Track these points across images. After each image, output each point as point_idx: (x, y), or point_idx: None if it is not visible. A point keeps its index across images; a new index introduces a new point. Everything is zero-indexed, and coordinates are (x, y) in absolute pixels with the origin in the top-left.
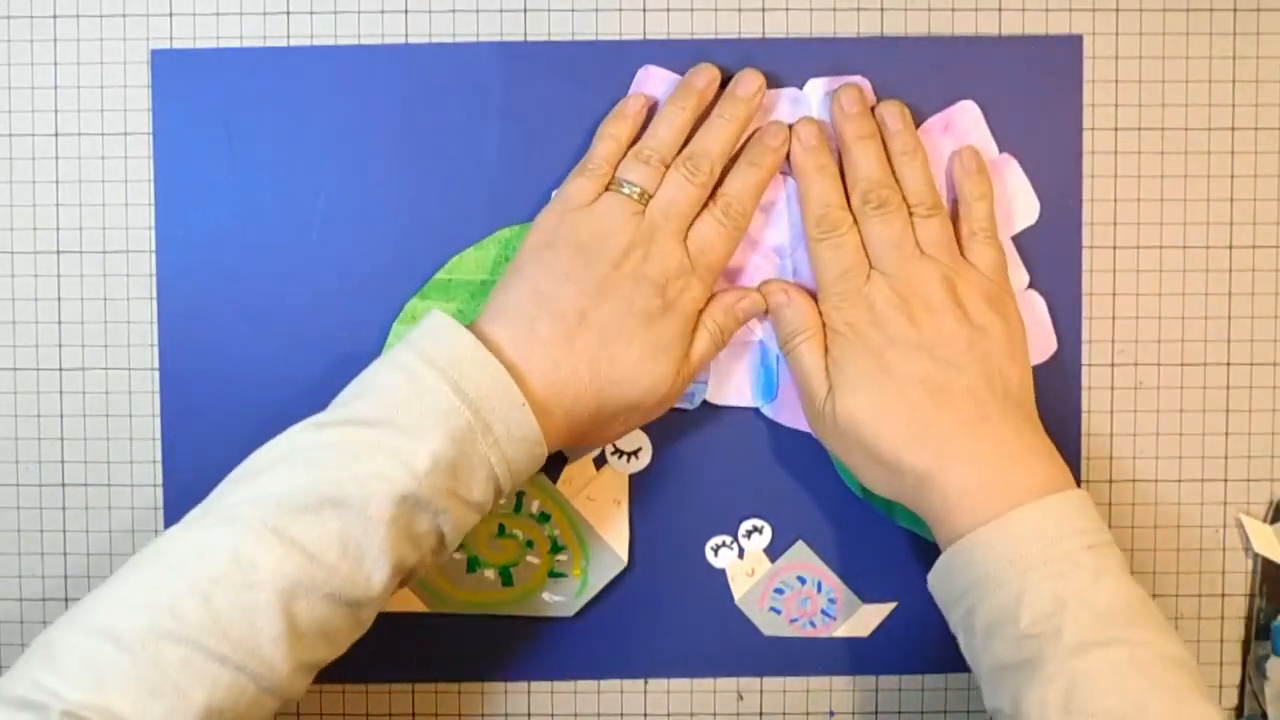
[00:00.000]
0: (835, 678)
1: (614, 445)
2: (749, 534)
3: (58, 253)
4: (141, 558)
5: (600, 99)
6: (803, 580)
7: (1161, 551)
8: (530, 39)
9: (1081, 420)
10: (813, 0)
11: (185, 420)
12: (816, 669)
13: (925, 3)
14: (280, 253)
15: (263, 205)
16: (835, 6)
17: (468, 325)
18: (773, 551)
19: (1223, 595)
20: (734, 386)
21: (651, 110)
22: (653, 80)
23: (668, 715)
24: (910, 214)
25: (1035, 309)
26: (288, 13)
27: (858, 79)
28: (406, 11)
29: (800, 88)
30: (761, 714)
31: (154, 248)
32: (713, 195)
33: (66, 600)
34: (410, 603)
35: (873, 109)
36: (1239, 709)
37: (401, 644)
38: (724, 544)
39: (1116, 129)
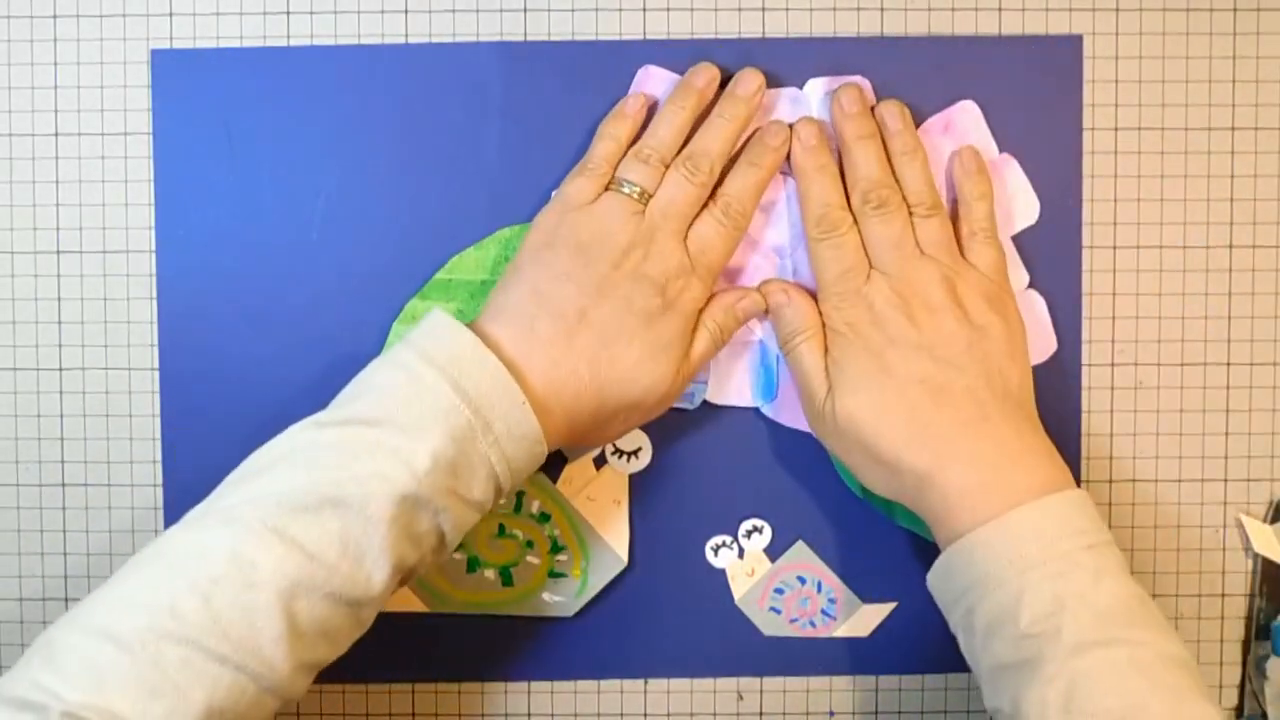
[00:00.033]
0: (835, 678)
1: (614, 445)
2: (749, 534)
3: (58, 253)
4: (141, 558)
5: (600, 99)
6: (803, 580)
7: (1161, 551)
8: (530, 39)
9: (1081, 420)
10: (813, 0)
11: (185, 420)
12: (816, 669)
13: (925, 3)
14: (280, 253)
15: (263, 205)
16: (835, 6)
17: (468, 325)
18: (773, 551)
19: (1223, 595)
20: (734, 386)
21: (652, 110)
22: (653, 80)
23: (668, 715)
24: (910, 214)
25: (1035, 309)
26: (288, 13)
27: (858, 79)
28: (406, 11)
29: (800, 88)
30: (761, 714)
31: (154, 248)
32: (713, 195)
33: (66, 600)
34: (410, 603)
35: (873, 109)
36: (1239, 709)
37: (401, 644)
38: (724, 544)
39: (1116, 129)
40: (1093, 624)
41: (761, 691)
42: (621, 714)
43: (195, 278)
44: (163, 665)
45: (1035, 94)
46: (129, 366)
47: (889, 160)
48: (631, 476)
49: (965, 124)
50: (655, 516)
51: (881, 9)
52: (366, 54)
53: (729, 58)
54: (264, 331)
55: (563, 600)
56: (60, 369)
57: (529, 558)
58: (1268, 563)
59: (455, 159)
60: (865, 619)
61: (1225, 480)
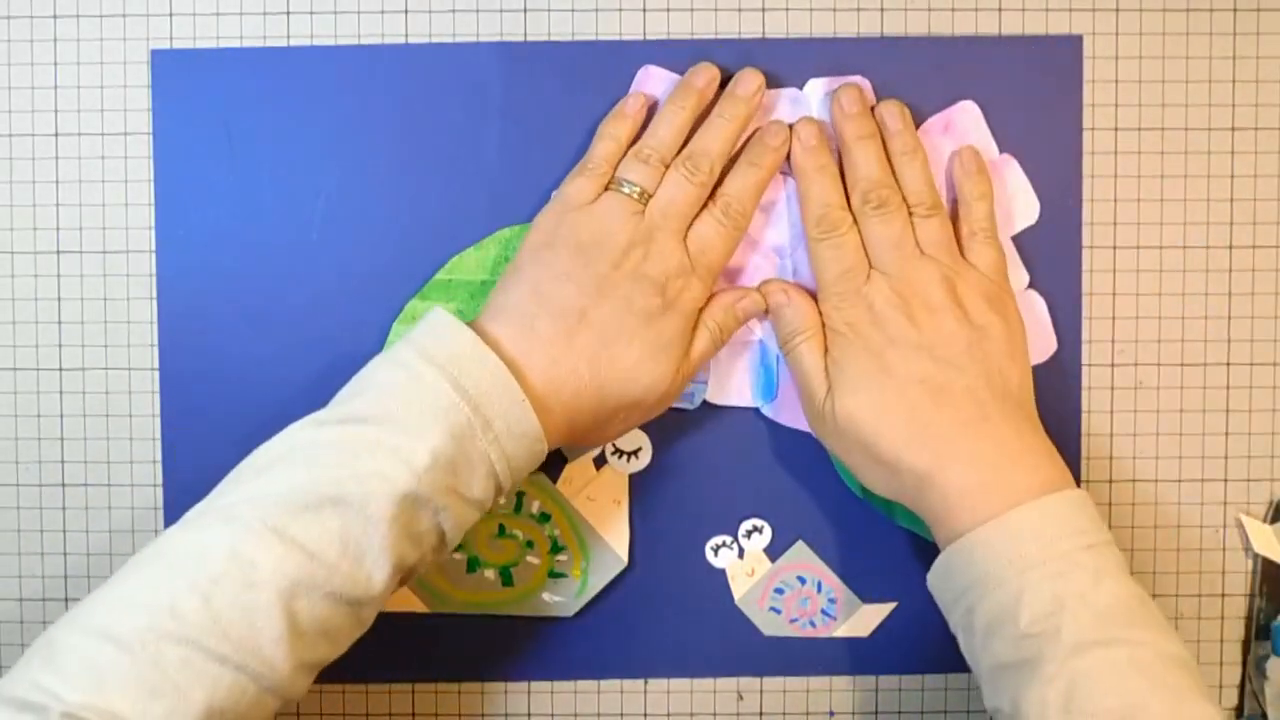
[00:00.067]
0: (835, 678)
1: (614, 445)
2: (749, 534)
3: (58, 253)
4: (142, 558)
5: (600, 99)
6: (803, 580)
7: (1161, 551)
8: (530, 39)
9: (1081, 420)
10: (813, 0)
11: (185, 420)
12: (816, 669)
13: (925, 3)
14: (280, 253)
15: (263, 205)
16: (835, 6)
17: (468, 324)
18: (773, 551)
19: (1223, 595)
20: (734, 386)
21: (652, 110)
22: (653, 80)
23: (668, 715)
24: (910, 214)
25: (1035, 309)
26: (288, 13)
27: (858, 79)
28: (406, 11)
29: (800, 88)
30: (761, 714)
31: (154, 248)
32: (713, 195)
33: (66, 600)
34: (410, 603)
35: (872, 109)
36: (1239, 709)
37: (401, 644)
38: (724, 544)
39: (1116, 129)
40: (1093, 624)
41: (761, 691)
42: (621, 714)
43: (195, 278)
44: (163, 665)
45: (1035, 94)
46: (129, 366)
47: (889, 160)
48: (631, 476)
49: (965, 124)
50: (655, 516)
51: (881, 9)
52: (366, 54)
53: (729, 58)
54: (264, 331)
55: (563, 600)
56: (60, 369)
57: (529, 558)
58: (1268, 563)
59: (455, 159)
60: (865, 619)
61: (1225, 480)
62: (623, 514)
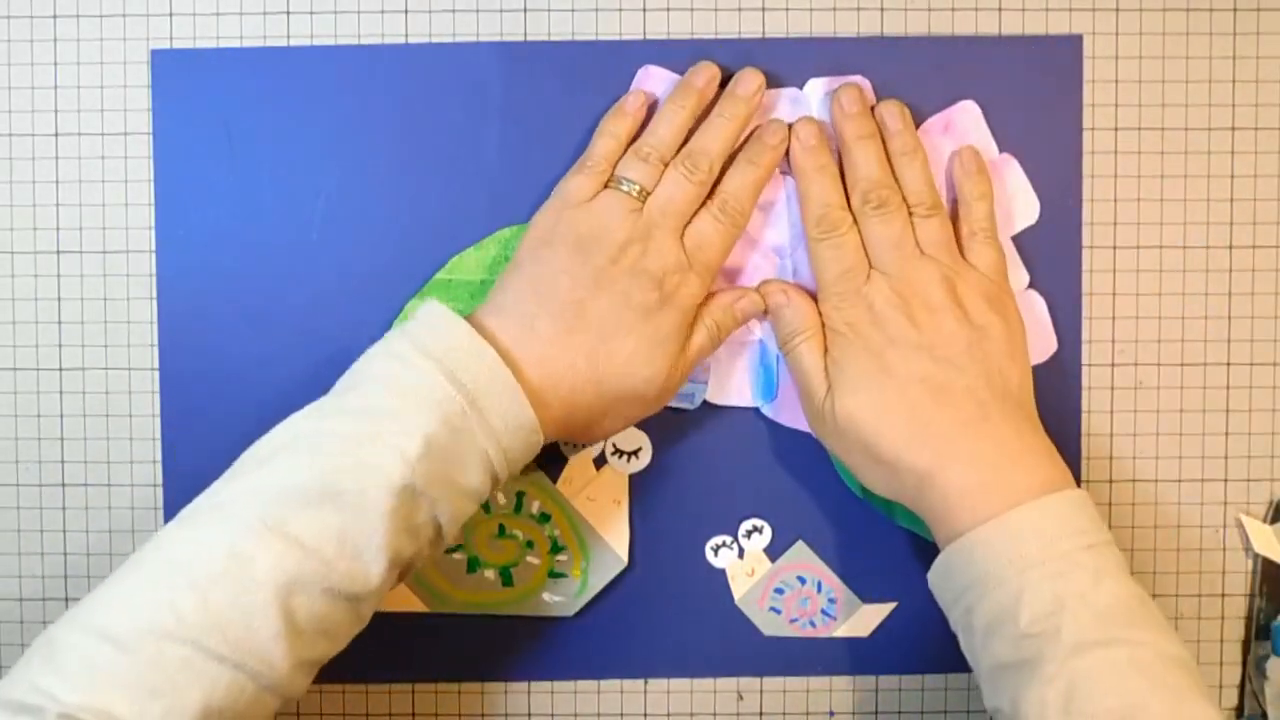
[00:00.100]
0: (835, 678)
1: (614, 445)
2: (749, 534)
3: (58, 253)
4: (141, 556)
5: (600, 99)
6: (803, 580)
7: (1161, 551)
8: (530, 39)
9: (1081, 420)
10: (813, 0)
11: (185, 420)
12: (816, 669)
13: (925, 3)
14: (280, 253)
15: (263, 205)
16: (835, 6)
17: (466, 318)
18: (773, 551)
19: (1223, 595)
20: (734, 386)
21: (652, 108)
22: (653, 80)
23: (668, 715)
24: (910, 214)
25: (1035, 309)
26: (288, 13)
27: (858, 79)
28: (406, 11)
29: (800, 88)
30: (761, 714)
31: (154, 248)
32: (711, 193)
33: (66, 600)
34: (410, 603)
35: (872, 109)
36: (1239, 709)
37: (401, 644)
38: (724, 544)
39: (1116, 129)
40: (1093, 624)
41: (761, 691)
42: (621, 714)
43: (195, 278)
44: (160, 665)
45: (1035, 94)
46: (129, 366)
47: (889, 160)
48: (631, 476)
49: (965, 124)
50: (655, 516)
51: (881, 9)
52: (366, 54)
53: (729, 58)
54: (264, 331)
55: (563, 600)
56: (60, 369)
57: (529, 558)
58: (1268, 563)
59: (455, 159)
60: (865, 619)
61: (1225, 480)
62: (623, 514)
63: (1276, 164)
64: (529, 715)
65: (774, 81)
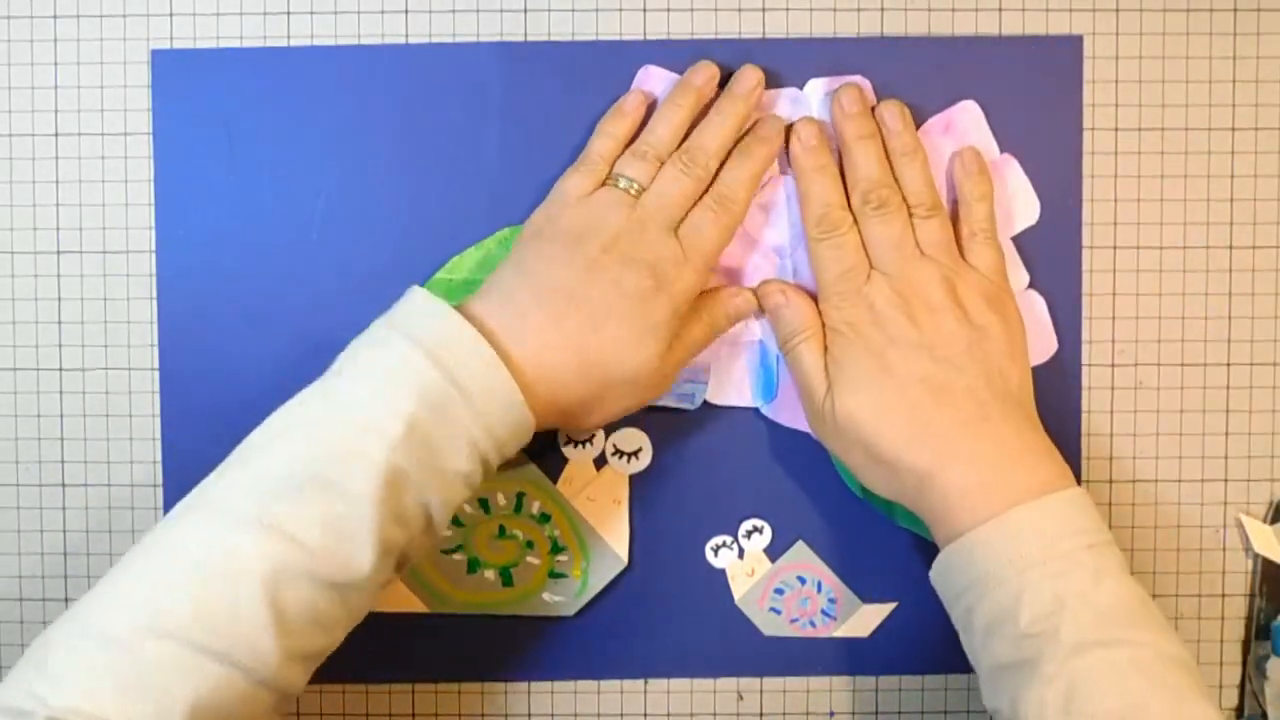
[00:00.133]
0: (835, 678)
1: (614, 445)
2: (749, 534)
3: (58, 253)
4: (132, 554)
5: (600, 99)
6: (803, 580)
7: (1161, 551)
8: (530, 39)
9: (1081, 420)
10: (813, 0)
11: (185, 420)
12: (816, 669)
13: (925, 3)
14: (280, 253)
15: (263, 205)
16: (835, 6)
17: (455, 307)
18: (773, 551)
19: (1223, 595)
20: (734, 386)
21: (651, 109)
22: (653, 80)
23: (668, 715)
24: (910, 214)
25: (1035, 309)
26: (288, 13)
27: (858, 79)
28: (406, 11)
29: (800, 88)
30: (761, 714)
31: (154, 248)
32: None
33: (66, 600)
34: (410, 603)
35: (873, 109)
36: (1239, 709)
37: (401, 644)
38: (724, 544)
39: (1116, 129)
40: (1093, 624)
41: (761, 691)
42: (621, 714)
43: (195, 278)
44: (147, 662)
45: (1035, 94)
46: (129, 366)
47: (889, 160)
48: (631, 476)
49: (966, 124)
50: (655, 516)
51: (881, 9)
52: (366, 54)
53: (729, 58)
54: (264, 331)
55: (563, 600)
56: (60, 369)
57: (529, 558)
58: (1268, 563)
59: (455, 159)
60: (865, 619)
61: (1225, 480)
62: (623, 514)
63: (1276, 164)
64: (529, 715)
65: (774, 81)
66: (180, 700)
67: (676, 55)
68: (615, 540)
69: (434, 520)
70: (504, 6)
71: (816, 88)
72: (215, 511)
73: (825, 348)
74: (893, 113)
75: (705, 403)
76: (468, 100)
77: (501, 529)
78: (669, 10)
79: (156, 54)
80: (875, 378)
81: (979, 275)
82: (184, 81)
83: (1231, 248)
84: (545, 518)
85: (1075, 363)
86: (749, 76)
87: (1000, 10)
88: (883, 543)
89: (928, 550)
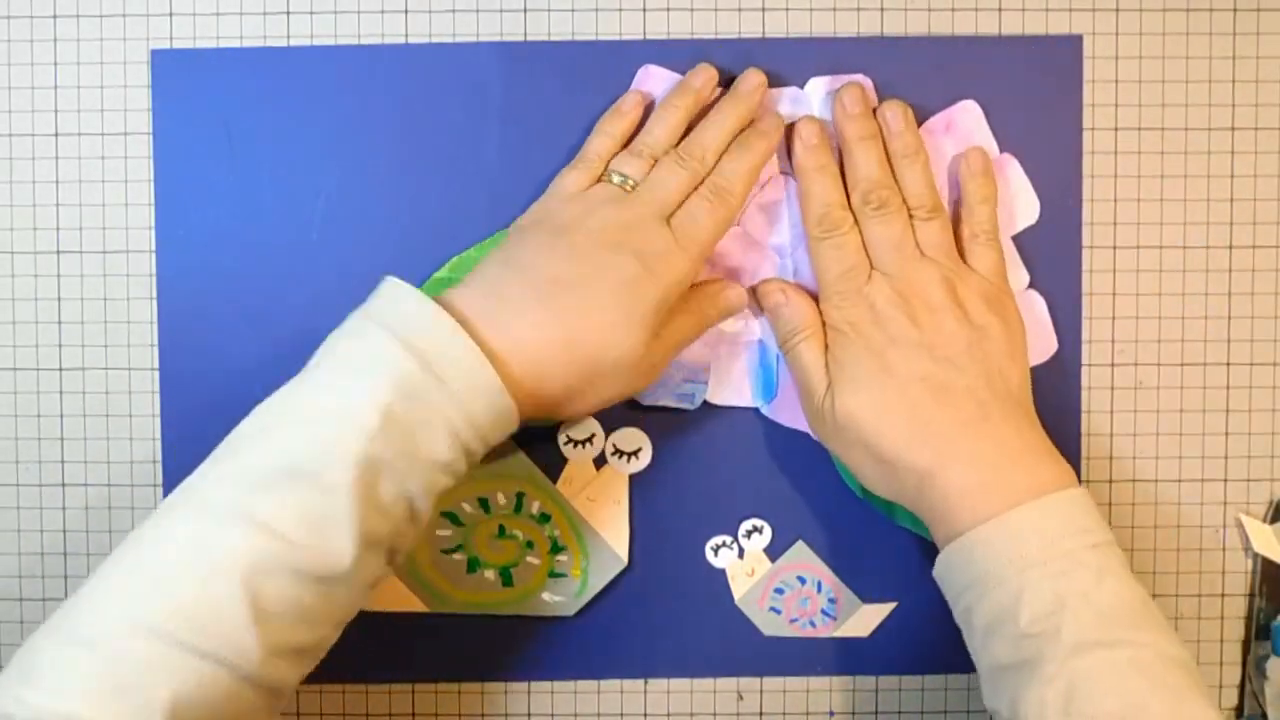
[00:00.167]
0: (835, 678)
1: (614, 445)
2: (749, 534)
3: (58, 253)
4: (117, 552)
5: (600, 99)
6: (803, 580)
7: (1161, 551)
8: (530, 39)
9: (1081, 420)
10: (813, 0)
11: (185, 420)
12: (816, 669)
13: (925, 3)
14: (280, 253)
15: (263, 205)
16: (835, 6)
17: (436, 296)
18: (773, 551)
19: (1223, 595)
20: (734, 386)
21: (649, 109)
22: (653, 80)
23: (668, 715)
24: (910, 216)
25: (1035, 309)
26: (288, 13)
27: (860, 78)
28: (406, 11)
29: (801, 87)
30: (761, 714)
31: (154, 248)
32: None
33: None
34: (410, 603)
35: (874, 110)
36: (1239, 709)
37: (401, 644)
38: (724, 544)
39: (1116, 129)
40: (1094, 623)
41: (761, 691)
42: (621, 714)
43: (195, 278)
44: (126, 661)
45: (1035, 94)
46: (129, 366)
47: (890, 161)
48: (631, 476)
49: (967, 124)
50: (655, 516)
51: (881, 9)
52: (366, 54)
53: (729, 58)
54: (264, 331)
55: (563, 600)
56: (60, 369)
57: (529, 558)
58: (1268, 563)
59: (455, 159)
60: (865, 619)
61: (1225, 480)
62: (623, 514)
63: (1276, 164)
64: (529, 715)
65: (774, 81)
66: (161, 698)
67: (676, 55)
68: (615, 540)
69: (417, 510)
70: (504, 6)
71: (817, 87)
72: (195, 506)
73: (825, 347)
74: (895, 113)
75: (705, 403)
76: (468, 100)
77: (501, 529)
78: (669, 10)
79: (156, 54)
80: (876, 377)
81: (979, 277)
82: (184, 81)
83: (1231, 248)
84: (545, 518)
85: (1075, 363)
86: (751, 78)
87: (1000, 10)
88: (883, 543)
89: (928, 550)
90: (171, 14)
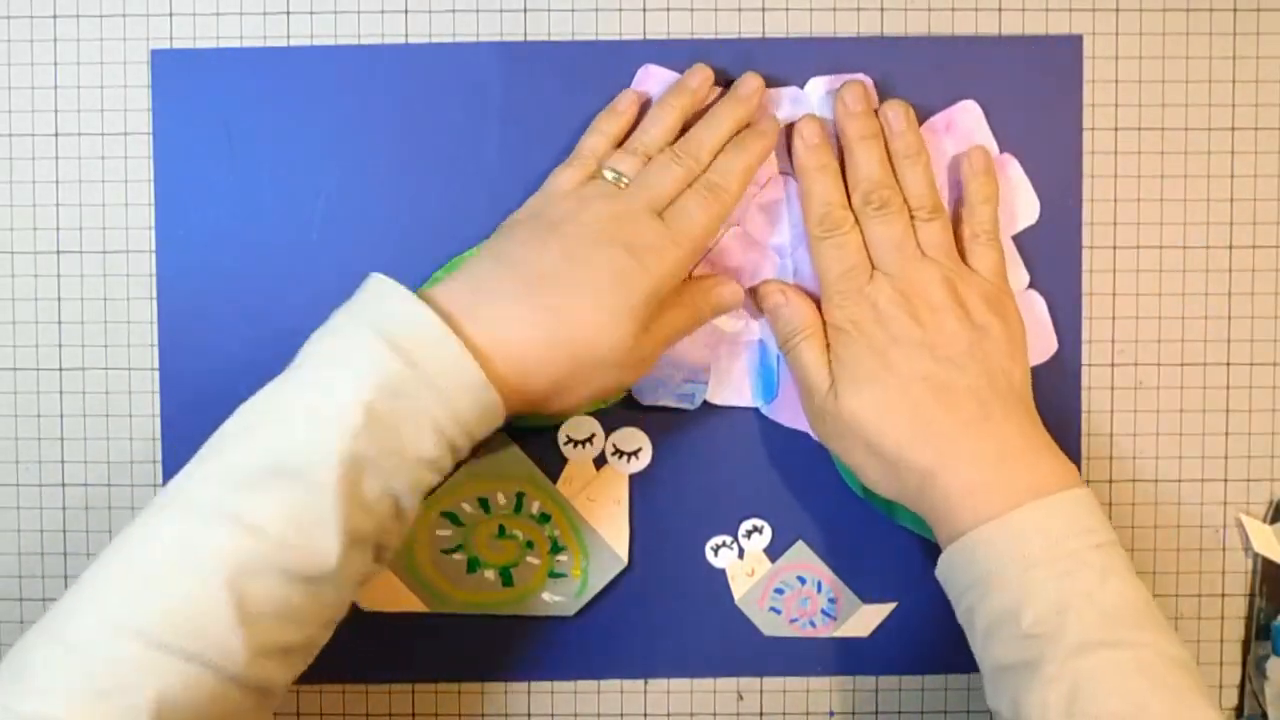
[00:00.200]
0: (835, 678)
1: (614, 445)
2: (749, 534)
3: (58, 253)
4: (103, 554)
5: (600, 99)
6: (803, 580)
7: (1161, 551)
8: (530, 39)
9: (1081, 420)
10: (813, 0)
11: (185, 420)
12: (816, 669)
13: (925, 3)
14: (280, 253)
15: (263, 205)
16: (835, 6)
17: (422, 291)
18: (773, 551)
19: (1223, 595)
20: (734, 386)
21: (645, 108)
22: (652, 80)
23: (668, 715)
24: (911, 216)
25: (1035, 309)
26: (288, 13)
27: (861, 76)
28: (406, 11)
29: (801, 87)
30: (761, 714)
31: (154, 248)
32: None
33: None
34: (410, 603)
35: (875, 110)
36: (1239, 709)
37: (401, 644)
38: (724, 544)
39: (1116, 129)
40: (1098, 624)
41: (761, 691)
42: (621, 714)
43: (195, 278)
44: (109, 663)
45: (1035, 94)
46: (129, 366)
47: (890, 160)
48: (631, 476)
49: (966, 124)
50: (655, 516)
51: (881, 9)
52: (366, 54)
53: (729, 58)
54: (264, 331)
55: (563, 600)
56: (60, 369)
57: (529, 558)
58: (1268, 563)
59: (455, 159)
60: (865, 619)
61: (1225, 480)
62: (623, 514)
63: (1276, 164)
64: (529, 715)
65: (774, 81)
66: (144, 700)
67: (676, 55)
68: (615, 540)
69: (403, 507)
70: (504, 6)
71: (817, 87)
72: (180, 506)
73: (827, 347)
74: (897, 113)
75: (705, 403)
76: (468, 100)
77: (501, 529)
78: (669, 10)
79: (156, 54)
80: (878, 376)
81: (980, 277)
82: (184, 81)
83: (1231, 248)
84: (545, 518)
85: (1075, 363)
86: (750, 82)
87: (1000, 10)
88: (883, 543)
89: (928, 550)
90: (171, 14)
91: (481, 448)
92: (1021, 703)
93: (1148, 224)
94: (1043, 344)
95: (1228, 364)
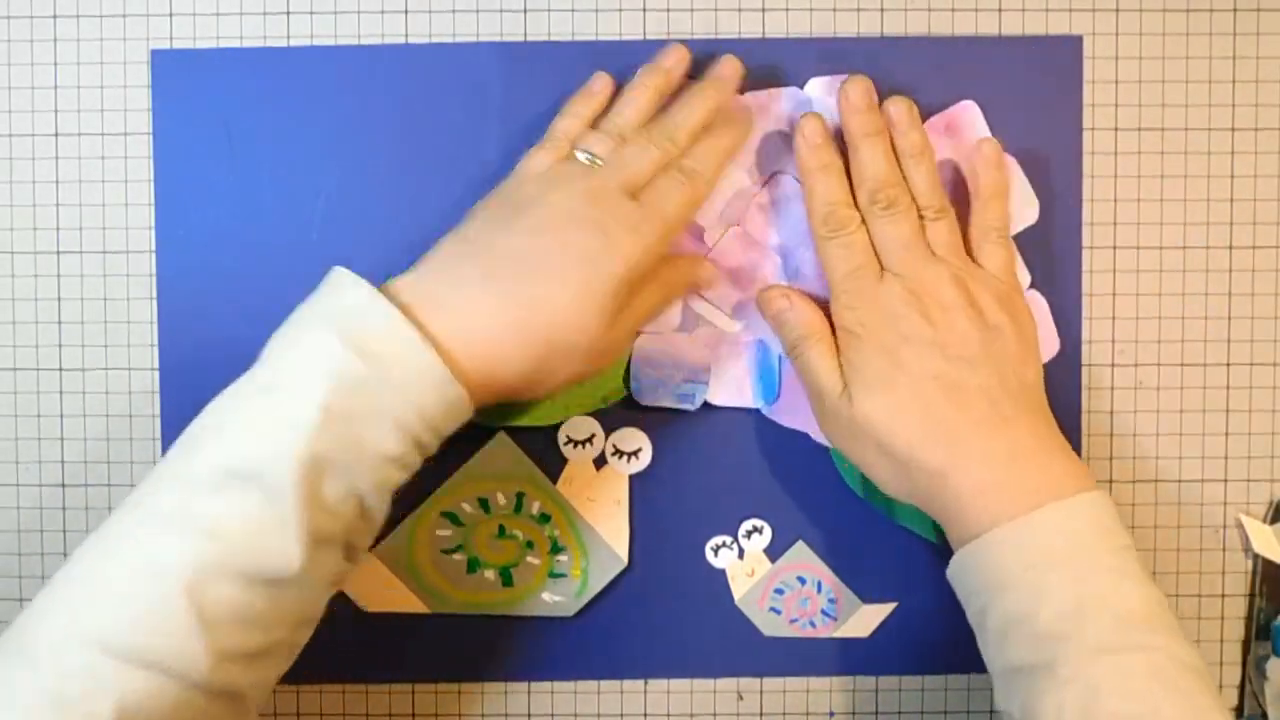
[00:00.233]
0: (835, 678)
1: (614, 445)
2: (749, 534)
3: (58, 253)
4: (67, 563)
5: None
6: (803, 580)
7: (1161, 551)
8: (530, 39)
9: (1082, 420)
10: (813, 0)
11: (185, 421)
12: (816, 669)
13: (925, 3)
14: (280, 253)
15: (263, 205)
16: (835, 6)
17: (386, 283)
18: (773, 551)
19: (1223, 595)
20: (734, 387)
21: (619, 91)
22: None
23: (668, 715)
24: (919, 215)
25: (1037, 309)
26: (288, 13)
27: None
28: (406, 11)
29: (800, 87)
30: (761, 714)
31: (154, 248)
32: None
33: None
34: (410, 603)
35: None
36: (1239, 709)
37: (401, 644)
38: (724, 544)
39: (1116, 129)
40: (1112, 627)
41: (761, 691)
42: (621, 714)
43: (195, 278)
44: (68, 675)
45: (1035, 94)
46: (129, 366)
47: (896, 158)
48: (631, 476)
49: (966, 124)
50: (655, 516)
51: (881, 9)
52: (366, 54)
53: None
54: (264, 331)
55: (563, 600)
56: (60, 369)
57: (529, 558)
58: (1268, 563)
59: (455, 159)
60: (865, 619)
61: (1225, 480)
62: (623, 514)
63: (1276, 164)
64: (529, 715)
65: (774, 81)
66: (103, 710)
67: None
68: (615, 540)
69: (369, 506)
70: (504, 6)
71: (817, 87)
72: (141, 512)
73: (836, 349)
74: (900, 110)
75: (705, 403)
76: (468, 100)
77: (501, 529)
78: (669, 10)
79: (156, 54)
80: (889, 376)
81: (990, 276)
82: (184, 81)
83: (1231, 248)
84: (545, 518)
85: (1076, 363)
86: (728, 65)
87: (1000, 10)
88: (883, 543)
89: (928, 550)
90: (171, 14)
91: (481, 448)
92: (1034, 704)
93: (1148, 224)
94: (1046, 344)
95: (1228, 364)
